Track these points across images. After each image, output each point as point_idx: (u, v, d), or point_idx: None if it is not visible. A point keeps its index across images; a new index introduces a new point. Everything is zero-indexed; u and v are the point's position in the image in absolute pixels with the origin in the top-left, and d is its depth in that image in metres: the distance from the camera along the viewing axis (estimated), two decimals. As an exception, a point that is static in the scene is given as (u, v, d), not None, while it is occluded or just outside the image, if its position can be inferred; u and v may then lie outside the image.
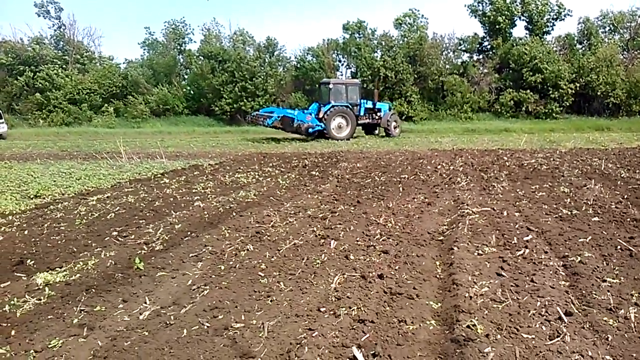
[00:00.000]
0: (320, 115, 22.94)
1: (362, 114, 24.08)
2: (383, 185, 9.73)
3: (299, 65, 36.03)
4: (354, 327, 3.61)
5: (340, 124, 23.16)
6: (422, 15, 35.58)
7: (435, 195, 8.68)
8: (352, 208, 7.66)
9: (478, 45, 35.38)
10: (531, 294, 4.08)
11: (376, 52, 35.03)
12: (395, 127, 24.40)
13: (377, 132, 25.17)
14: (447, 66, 34.69)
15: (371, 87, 32.29)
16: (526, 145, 17.52)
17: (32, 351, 3.36)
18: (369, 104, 24.31)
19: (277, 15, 71.97)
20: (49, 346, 3.42)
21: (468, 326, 3.49)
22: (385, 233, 6.08)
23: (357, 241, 5.79)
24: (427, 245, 5.63)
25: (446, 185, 9.60)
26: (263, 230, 6.37)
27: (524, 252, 5.18)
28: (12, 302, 4.18)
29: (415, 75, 33.31)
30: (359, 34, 35.94)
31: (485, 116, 32.49)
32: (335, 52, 36.38)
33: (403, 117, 32.01)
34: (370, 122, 24.41)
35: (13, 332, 3.66)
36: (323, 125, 22.91)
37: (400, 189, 9.26)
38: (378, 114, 24.26)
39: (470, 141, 20.77)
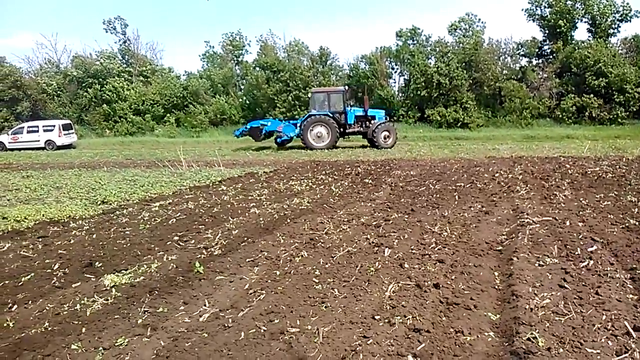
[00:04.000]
0: (298, 125, 22.84)
1: (351, 122, 22.91)
2: (438, 193, 9.58)
3: (351, 74, 36.13)
4: (410, 336, 3.58)
5: (319, 133, 22.38)
6: (479, 20, 34.81)
7: (493, 204, 8.45)
8: (406, 216, 7.60)
9: (537, 50, 34.09)
10: (596, 307, 3.90)
11: (430, 58, 34.55)
12: (386, 137, 22.16)
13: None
14: (505, 71, 33.68)
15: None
16: (590, 153, 16.71)
17: (100, 348, 3.56)
18: (360, 112, 23.12)
19: (331, 24, 72.58)
20: (116, 344, 3.61)
21: (528, 339, 3.40)
22: (441, 242, 6.00)
23: (412, 250, 5.74)
24: (484, 255, 5.50)
25: (505, 194, 9.32)
26: (317, 237, 6.44)
27: (588, 264, 4.96)
28: (83, 302, 4.44)
29: (471, 81, 32.57)
30: (413, 41, 35.60)
31: (546, 122, 31.22)
32: (388, 59, 36.19)
33: (458, 124, 31.33)
34: (362, 130, 23.09)
35: (84, 330, 3.88)
36: (292, 135, 23.02)
37: (456, 197, 9.08)
38: (372, 122, 22.73)
39: (529, 148, 20.05)
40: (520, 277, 4.60)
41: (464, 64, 32.22)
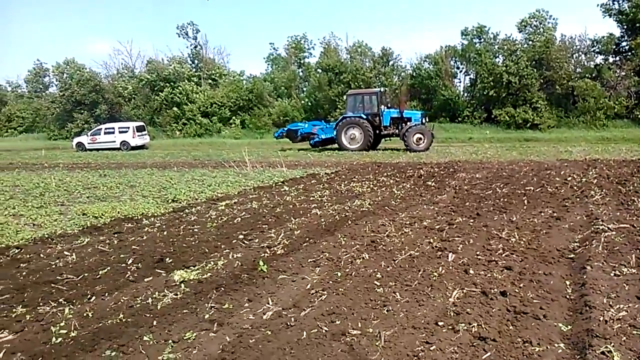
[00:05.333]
0: (334, 127, 23.22)
1: (386, 124, 22.64)
2: (505, 197, 9.24)
3: (414, 74, 35.63)
4: (474, 344, 3.49)
5: (352, 135, 22.54)
6: (551, 16, 33.26)
7: (565, 209, 8.05)
8: (471, 220, 7.39)
9: (614, 46, 32.11)
10: (681, 323, 3.63)
11: (497, 57, 33.42)
12: (419, 140, 21.50)
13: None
14: (578, 70, 32.01)
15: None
16: (675, 156, 15.53)
17: (170, 341, 3.72)
18: (395, 113, 22.65)
19: (394, 24, 72.04)
20: (185, 337, 3.77)
21: (603, 352, 3.22)
22: (509, 248, 5.79)
23: (477, 255, 5.58)
24: (555, 263, 5.26)
25: (577, 199, 8.86)
26: (378, 240, 6.40)
27: (671, 276, 4.62)
28: (154, 296, 4.67)
29: (542, 80, 31.19)
30: (479, 39, 34.58)
31: (623, 123, 29.36)
32: (453, 58, 35.39)
33: (528, 125, 30.08)
34: (398, 132, 22.44)
35: (155, 322, 4.07)
36: (323, 137, 23.57)
37: (525, 201, 8.73)
38: (408, 124, 22.11)
39: (605, 151, 18.93)
40: (594, 287, 4.37)
41: (534, 62, 30.94)
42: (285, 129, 25.80)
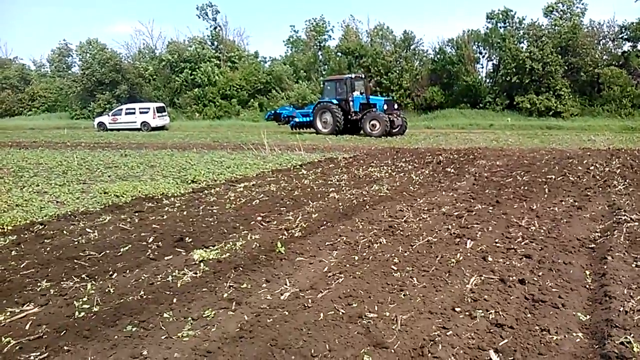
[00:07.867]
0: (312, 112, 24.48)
1: (357, 109, 22.98)
2: (526, 185, 9.13)
3: (436, 59, 35.08)
4: (491, 330, 3.49)
5: (325, 119, 23.56)
6: (580, 1, 32.25)
7: (586, 198, 7.93)
8: (491, 208, 7.33)
9: (644, 33, 31.10)
10: (703, 316, 3.57)
11: (522, 42, 32.68)
12: (373, 126, 21.87)
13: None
14: (605, 57, 31.15)
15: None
16: (703, 147, 15.11)
17: (189, 318, 3.79)
18: (363, 99, 23.04)
19: (417, 7, 70.86)
20: (204, 315, 3.83)
21: (622, 343, 3.19)
22: (528, 236, 5.74)
23: (496, 243, 5.55)
24: (575, 253, 5.20)
25: (600, 189, 8.71)
26: (396, 225, 6.39)
27: (694, 268, 4.54)
28: (174, 274, 4.75)
29: (566, 67, 30.46)
30: (504, 24, 33.81)
31: (650, 112, 28.59)
32: (476, 43, 34.72)
33: (550, 113, 29.49)
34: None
35: (175, 300, 4.15)
36: (301, 119, 24.99)
37: (546, 190, 8.62)
38: (373, 109, 22.51)
39: (629, 140, 18.51)
40: (615, 278, 4.31)
41: (559, 48, 30.20)
42: (273, 111, 27.80)
